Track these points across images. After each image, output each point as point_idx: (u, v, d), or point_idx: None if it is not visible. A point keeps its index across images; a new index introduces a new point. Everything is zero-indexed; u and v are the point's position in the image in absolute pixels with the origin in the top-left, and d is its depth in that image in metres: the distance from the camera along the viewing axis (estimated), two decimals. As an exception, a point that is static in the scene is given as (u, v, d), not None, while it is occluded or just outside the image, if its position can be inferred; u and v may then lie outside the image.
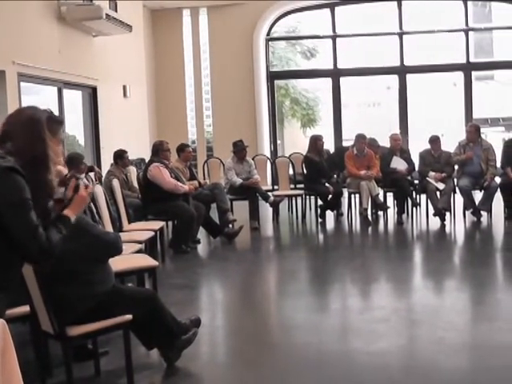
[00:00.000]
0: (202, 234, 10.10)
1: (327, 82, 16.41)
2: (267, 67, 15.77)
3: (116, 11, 11.63)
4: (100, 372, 4.81)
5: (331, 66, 15.92)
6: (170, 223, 10.11)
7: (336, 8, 15.65)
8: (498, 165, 11.26)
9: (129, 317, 4.44)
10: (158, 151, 9.56)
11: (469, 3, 15.93)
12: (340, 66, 15.88)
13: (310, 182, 11.55)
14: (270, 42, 16.20)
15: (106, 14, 10.76)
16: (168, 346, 4.87)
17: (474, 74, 16.74)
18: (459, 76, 16.41)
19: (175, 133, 14.40)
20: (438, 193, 11.03)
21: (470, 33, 16.16)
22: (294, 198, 12.19)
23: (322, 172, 11.51)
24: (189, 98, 15.64)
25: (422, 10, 16.99)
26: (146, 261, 6.27)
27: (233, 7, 15.02)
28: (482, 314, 6.38)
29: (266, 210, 11.90)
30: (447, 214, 11.03)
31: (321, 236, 11.13)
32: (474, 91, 16.52)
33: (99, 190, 7.59)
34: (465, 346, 5.39)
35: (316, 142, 11.75)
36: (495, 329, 5.72)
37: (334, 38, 15.81)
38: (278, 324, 6.37)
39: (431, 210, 11.06)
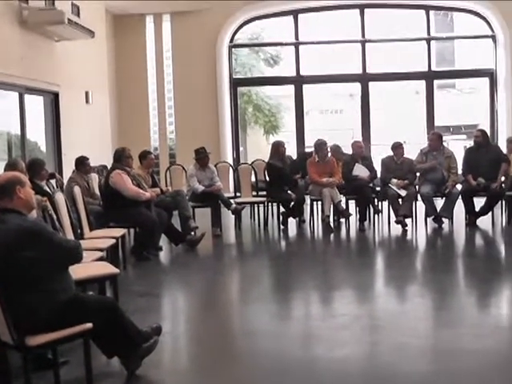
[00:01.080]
0: (163, 241, 10.04)
1: (290, 88, 16.44)
2: (230, 74, 15.76)
3: (78, 16, 11.53)
4: (60, 382, 4.74)
5: (294, 73, 15.95)
6: (131, 230, 10.05)
7: (299, 15, 15.69)
8: (460, 172, 11.39)
9: (89, 325, 4.41)
10: (120, 158, 9.50)
11: (431, 13, 16.07)
12: (303, 73, 15.92)
13: (273, 189, 11.58)
14: (233, 49, 16.19)
15: (69, 19, 10.66)
16: (129, 355, 4.84)
17: (436, 82, 16.89)
18: (421, 84, 16.53)
19: (138, 139, 14.32)
20: (400, 199, 11.15)
21: (432, 42, 16.30)
22: (256, 205, 12.19)
23: (285, 178, 11.54)
24: (151, 104, 15.56)
25: (384, 18, 17.12)
26: (107, 268, 6.23)
27: (196, 14, 14.99)
28: (443, 319, 6.43)
29: (229, 217, 11.87)
30: (409, 220, 11.14)
31: (283, 243, 11.15)
32: (436, 99, 16.67)
33: (60, 198, 7.54)
34: (426, 352, 5.44)
35: (278, 147, 11.80)
36: (457, 334, 5.78)
37: (296, 45, 15.85)
38: (240, 331, 6.36)
39: (393, 217, 11.15)
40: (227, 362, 5.35)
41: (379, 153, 12.86)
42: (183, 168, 12.65)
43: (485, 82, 16.57)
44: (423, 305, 6.91)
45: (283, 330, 6.20)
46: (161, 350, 5.25)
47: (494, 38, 15.64)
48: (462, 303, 6.94)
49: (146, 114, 15.46)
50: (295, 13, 15.62)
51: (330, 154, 11.80)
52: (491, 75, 15.88)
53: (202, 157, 11.31)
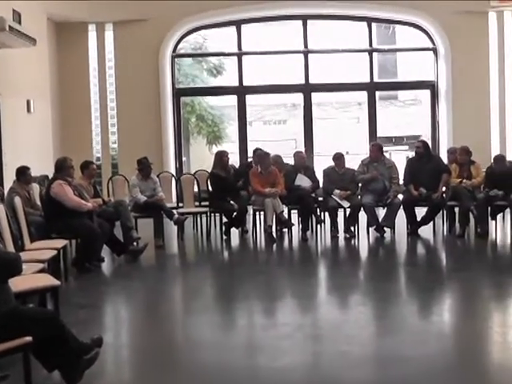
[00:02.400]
0: (106, 252, 9.95)
1: (233, 99, 16.46)
2: (173, 84, 15.69)
3: (20, 23, 11.39)
4: (-1, 396, 4.70)
5: (237, 84, 15.97)
6: (73, 241, 9.93)
7: (242, 26, 15.73)
8: (401, 182, 11.54)
9: (29, 338, 4.35)
10: (62, 168, 9.39)
11: (373, 25, 16.26)
12: (246, 83, 15.95)
13: (215, 199, 11.57)
14: (176, 59, 16.15)
15: (9, 26, 10.48)
16: (69, 367, 4.78)
17: (378, 93, 17.06)
18: (364, 95, 16.70)
19: (80, 149, 14.16)
20: (344, 209, 11.28)
21: (374, 53, 16.48)
22: (198, 216, 12.14)
23: (228, 188, 11.54)
24: (94, 113, 15.41)
25: (327, 29, 17.28)
26: (48, 280, 6.15)
27: (139, 23, 14.92)
28: (384, 327, 6.51)
29: (171, 228, 11.81)
30: (352, 229, 11.28)
31: (226, 253, 11.12)
32: (379, 110, 16.85)
33: (0, 208, 7.43)
34: (368, 359, 5.50)
35: (221, 157, 11.80)
36: (398, 341, 5.86)
37: (239, 55, 15.88)
38: (183, 342, 6.33)
39: (340, 227, 11.31)
40: (170, 372, 5.32)
41: (322, 163, 12.94)
42: (125, 178, 12.57)
43: (426, 93, 16.81)
44: (365, 313, 6.97)
45: (226, 340, 6.20)
46: (103, 362, 5.20)
47: (435, 50, 15.88)
48: (404, 311, 7.03)
49: (89, 123, 15.31)
50: (238, 23, 15.65)
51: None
52: (433, 87, 16.11)
53: (144, 167, 11.25)
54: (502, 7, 15.13)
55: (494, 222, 11.29)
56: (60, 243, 8.38)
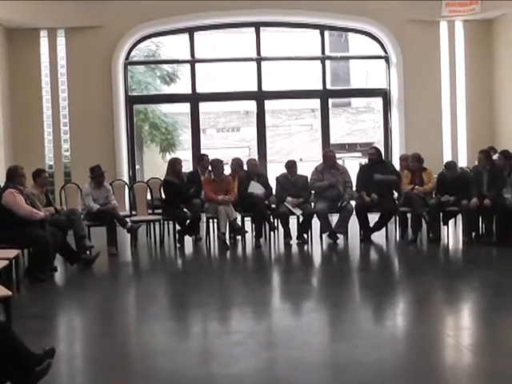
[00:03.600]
0: (58, 261, 9.85)
1: (186, 106, 16.43)
2: (126, 91, 15.61)
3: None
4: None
5: (190, 91, 15.95)
6: (26, 251, 9.81)
7: (195, 33, 15.72)
8: (354, 189, 11.63)
9: (-21, 349, 4.30)
10: (13, 176, 9.27)
11: (326, 32, 16.36)
12: (199, 90, 15.94)
13: (168, 207, 11.53)
14: (128, 66, 16.08)
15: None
16: (21, 379, 4.73)
17: (331, 100, 17.17)
18: (317, 103, 16.79)
19: (32, 157, 14.03)
20: (297, 216, 11.33)
21: (327, 61, 16.59)
22: (152, 224, 12.09)
23: (181, 195, 11.50)
24: (46, 121, 15.25)
25: (280, 37, 17.35)
26: (0, 291, 6.08)
27: (91, 30, 14.81)
28: (338, 332, 6.56)
29: (124, 236, 11.74)
30: (305, 236, 11.33)
31: (179, 261, 11.07)
32: (332, 118, 16.96)
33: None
34: (321, 365, 5.51)
35: (174, 165, 11.76)
36: (351, 346, 5.88)
37: (192, 62, 15.86)
38: (137, 350, 6.27)
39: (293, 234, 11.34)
40: (124, 381, 5.29)
41: (276, 170, 12.98)
42: (78, 186, 12.46)
43: (379, 101, 16.96)
44: (319, 319, 6.99)
45: (180, 347, 6.18)
46: (56, 373, 5.15)
47: (387, 58, 16.04)
48: (357, 316, 7.06)
49: (41, 131, 15.15)
50: (191, 30, 15.63)
51: (230, 170, 11.91)
52: (385, 95, 16.25)
53: (96, 175, 11.18)
54: (452, 17, 15.36)
55: (445, 227, 11.45)
56: (12, 253, 8.25)
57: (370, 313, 7.40)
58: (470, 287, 8.30)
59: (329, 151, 12.23)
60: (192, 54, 15.75)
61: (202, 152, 14.77)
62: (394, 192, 11.70)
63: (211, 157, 12.36)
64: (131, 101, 15.92)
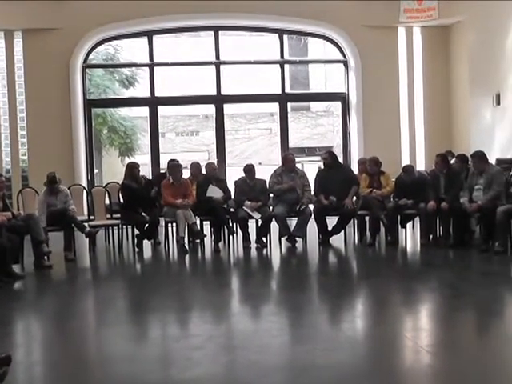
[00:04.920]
0: (15, 266, 9.73)
1: (145, 110, 16.37)
2: (84, 95, 15.51)
3: None
4: None
5: (149, 95, 15.89)
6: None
7: (154, 36, 15.67)
8: (312, 192, 11.65)
9: None
10: (-31, 181, 9.18)
11: (285, 37, 16.41)
12: (158, 94, 15.89)
13: (127, 211, 11.46)
14: (87, 69, 15.98)
15: None
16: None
17: (290, 104, 17.23)
18: (276, 107, 16.84)
19: (-12, 162, 13.92)
20: (256, 220, 11.32)
21: (286, 65, 16.64)
22: (110, 228, 12.01)
23: (139, 200, 11.44)
24: (3, 124, 15.09)
25: (239, 40, 17.37)
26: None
27: (49, 32, 14.68)
28: (296, 336, 6.53)
29: (83, 241, 11.64)
30: (264, 239, 11.33)
31: (138, 265, 10.98)
32: (291, 122, 17.02)
33: None
34: (279, 368, 5.48)
35: (132, 169, 11.70)
36: (309, 350, 5.86)
37: (151, 66, 15.81)
38: (95, 356, 6.20)
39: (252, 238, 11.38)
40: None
41: (235, 174, 12.97)
42: (36, 191, 12.32)
43: (338, 105, 17.07)
44: (278, 322, 6.96)
45: (138, 352, 6.12)
46: (13, 380, 5.07)
47: (345, 63, 16.14)
48: (316, 320, 7.05)
49: (-3, 134, 15.00)
50: (150, 34, 15.59)
51: (189, 174, 11.89)
52: (344, 99, 16.37)
53: (50, 184, 11.01)
54: (410, 23, 15.52)
55: (403, 230, 11.52)
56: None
57: (329, 316, 7.40)
58: (427, 289, 8.36)
59: (289, 154, 12.26)
60: (151, 58, 15.71)
61: (162, 156, 14.73)
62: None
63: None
64: (89, 104, 15.83)
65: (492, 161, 11.76)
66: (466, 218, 10.62)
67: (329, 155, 11.98)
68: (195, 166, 12.33)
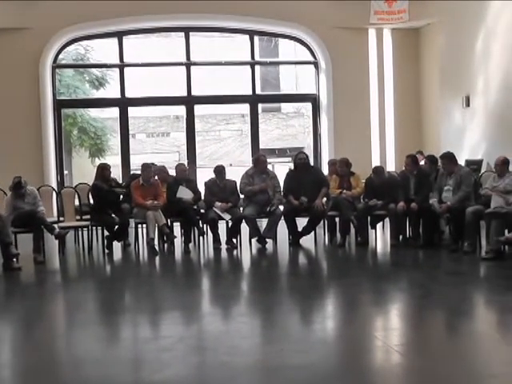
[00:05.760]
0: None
1: (115, 111, 16.29)
2: (54, 95, 15.40)
3: None
4: None
5: (119, 95, 15.81)
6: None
7: (124, 37, 15.60)
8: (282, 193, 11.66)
9: None
10: None
11: (255, 38, 16.42)
12: (128, 95, 15.82)
13: (97, 213, 11.39)
14: (57, 70, 15.88)
15: None
16: None
17: (261, 106, 17.24)
18: (246, 108, 16.84)
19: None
20: (226, 221, 11.31)
21: (257, 66, 16.65)
22: (80, 230, 11.92)
23: (109, 201, 11.38)
24: (-29, 125, 14.95)
25: (210, 41, 17.36)
26: None
27: (18, 32, 14.56)
28: (267, 337, 6.56)
29: (52, 243, 11.54)
30: (234, 241, 11.32)
31: (108, 267, 10.91)
32: (262, 123, 17.04)
33: None
34: (249, 369, 5.47)
35: (103, 170, 11.63)
36: (280, 350, 5.88)
37: (121, 67, 15.74)
38: (66, 358, 6.14)
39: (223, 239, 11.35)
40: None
41: (206, 175, 12.94)
42: (4, 192, 12.20)
43: (308, 106, 17.10)
44: (248, 323, 6.96)
45: (108, 354, 6.08)
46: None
47: (316, 64, 16.18)
48: (286, 320, 7.06)
49: (-35, 135, 14.84)
50: (120, 34, 15.52)
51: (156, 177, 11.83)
52: (314, 100, 16.41)
53: (15, 188, 10.90)
54: (380, 24, 15.59)
55: (373, 230, 11.58)
56: None
57: (300, 316, 7.41)
58: (397, 289, 8.41)
59: (261, 155, 12.24)
60: (121, 59, 15.64)
61: (132, 157, 14.68)
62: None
63: (141, 162, 12.26)
64: (59, 105, 15.73)
65: (461, 162, 11.87)
66: (435, 218, 10.69)
67: (306, 156, 12.02)
68: (161, 170, 12.26)
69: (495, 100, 13.53)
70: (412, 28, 15.91)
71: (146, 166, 11.61)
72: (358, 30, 15.75)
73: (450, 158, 10.76)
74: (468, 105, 14.32)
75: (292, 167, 12.33)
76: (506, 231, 9.57)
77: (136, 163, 15.34)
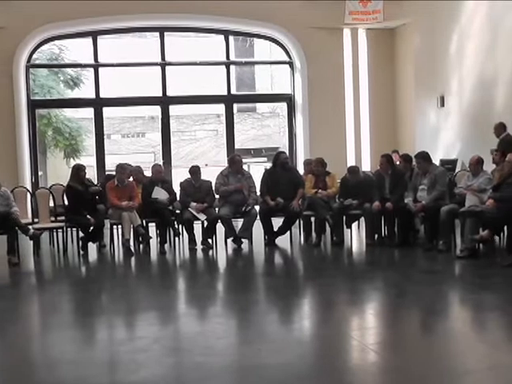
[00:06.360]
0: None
1: (90, 111, 16.22)
2: (28, 95, 15.31)
3: None
4: None
5: (94, 96, 15.74)
6: None
7: (98, 37, 15.53)
8: (259, 193, 11.67)
9: None
10: None
11: (230, 38, 16.41)
12: (103, 95, 15.76)
13: (72, 214, 11.32)
14: (31, 69, 15.77)
15: None
16: None
17: (236, 106, 17.24)
18: (222, 108, 16.83)
19: None
20: (202, 222, 11.29)
21: (232, 66, 16.64)
22: (55, 231, 11.84)
23: (84, 202, 11.31)
24: None
25: (185, 41, 17.33)
26: None
27: (-9, 31, 14.50)
28: (243, 337, 6.57)
29: (27, 244, 11.44)
30: (209, 241, 11.30)
31: (83, 268, 10.84)
32: (237, 123, 17.04)
33: None
34: (225, 369, 5.47)
35: (78, 171, 11.56)
36: (256, 350, 5.88)
37: (96, 67, 15.67)
38: (41, 360, 6.10)
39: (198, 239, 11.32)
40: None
41: (181, 175, 12.91)
42: (-23, 193, 12.12)
43: (284, 106, 17.13)
44: (224, 324, 6.96)
45: (83, 356, 6.04)
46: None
47: (291, 64, 16.21)
48: (262, 320, 7.06)
49: None
50: (94, 34, 15.45)
51: (131, 178, 11.79)
52: (289, 100, 16.44)
53: None
54: (355, 25, 15.65)
55: (349, 230, 11.61)
56: None
57: (276, 316, 7.41)
58: (372, 288, 8.43)
59: (235, 155, 12.23)
60: (95, 59, 15.57)
61: (107, 158, 14.61)
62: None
63: (116, 163, 12.20)
64: (34, 105, 15.64)
65: (436, 161, 11.92)
66: (410, 217, 10.74)
67: (288, 156, 12.07)
68: (136, 171, 12.21)
69: (469, 100, 13.63)
70: (387, 28, 15.98)
71: (120, 167, 11.55)
72: (333, 30, 15.79)
73: (424, 157, 10.81)
74: (443, 105, 14.41)
75: (268, 167, 12.33)
76: (481, 230, 9.62)
77: (111, 164, 15.26)
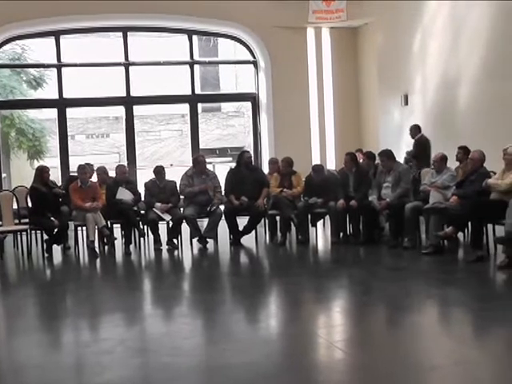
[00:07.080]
0: None
1: (54, 112, 16.08)
2: (-10, 96, 15.17)
3: None
4: None
5: (57, 96, 15.61)
6: None
7: (61, 36, 15.40)
8: (223, 193, 11.64)
9: None
10: None
11: (194, 37, 16.38)
12: (67, 96, 15.63)
13: (35, 215, 11.21)
14: (-8, 70, 15.64)
15: None
16: None
17: (201, 105, 17.21)
18: (186, 108, 16.79)
19: None
20: (167, 222, 11.26)
21: (196, 66, 16.61)
22: (19, 234, 11.71)
23: (49, 204, 11.22)
24: None
25: (148, 41, 17.28)
26: None
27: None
28: (209, 337, 6.55)
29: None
30: (175, 241, 11.27)
31: (48, 271, 10.75)
32: (202, 123, 17.01)
33: None
34: (191, 370, 5.45)
35: (42, 172, 11.45)
36: (222, 350, 5.87)
37: (59, 67, 15.54)
38: (6, 365, 5.99)
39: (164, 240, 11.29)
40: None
41: (146, 176, 12.86)
42: None
43: (248, 105, 17.14)
44: (189, 324, 6.94)
45: (49, 360, 5.98)
46: None
47: (255, 63, 16.22)
48: (229, 320, 7.05)
49: None
50: (57, 34, 15.32)
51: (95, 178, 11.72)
52: (254, 99, 16.45)
53: None
54: (319, 24, 15.70)
55: (314, 228, 11.63)
56: None
57: (242, 316, 7.41)
58: (338, 286, 8.48)
59: (200, 156, 12.21)
60: (58, 58, 15.44)
61: (72, 159, 14.51)
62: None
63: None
64: (-4, 106, 15.46)
65: (400, 159, 11.99)
66: (375, 215, 10.81)
67: (251, 155, 12.10)
68: (101, 171, 12.13)
69: (433, 98, 13.74)
70: (350, 27, 16.06)
71: (81, 168, 11.47)
72: (297, 29, 15.83)
73: (388, 155, 10.88)
74: (406, 103, 14.52)
75: (233, 166, 12.32)
76: (445, 226, 9.70)
77: (75, 165, 15.14)
